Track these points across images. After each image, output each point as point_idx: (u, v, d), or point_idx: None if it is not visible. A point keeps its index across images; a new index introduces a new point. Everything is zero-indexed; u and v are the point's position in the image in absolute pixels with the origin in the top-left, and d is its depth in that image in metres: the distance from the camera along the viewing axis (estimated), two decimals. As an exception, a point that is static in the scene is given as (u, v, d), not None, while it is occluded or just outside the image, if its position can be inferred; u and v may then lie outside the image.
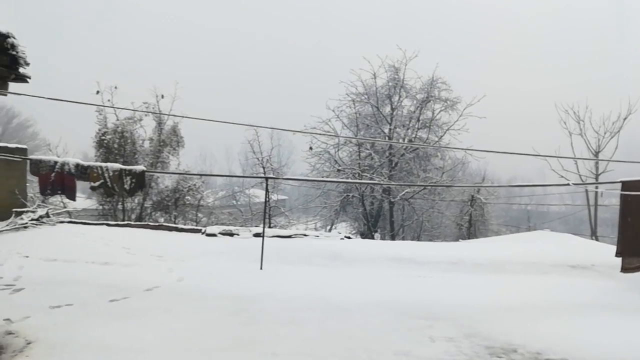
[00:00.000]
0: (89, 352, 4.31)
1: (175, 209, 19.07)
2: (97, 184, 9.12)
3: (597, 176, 22.36)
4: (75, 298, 6.10)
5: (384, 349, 4.77)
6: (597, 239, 21.83)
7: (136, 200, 18.60)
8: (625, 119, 21.67)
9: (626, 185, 8.03)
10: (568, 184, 10.11)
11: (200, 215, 20.49)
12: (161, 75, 23.76)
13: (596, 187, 17.11)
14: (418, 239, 24.54)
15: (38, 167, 9.15)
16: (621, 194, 8.03)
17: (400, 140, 23.41)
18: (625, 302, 6.91)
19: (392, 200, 22.75)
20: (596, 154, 22.50)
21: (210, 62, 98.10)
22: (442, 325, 5.66)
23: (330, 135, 22.29)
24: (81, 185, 9.86)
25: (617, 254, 8.16)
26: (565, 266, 9.91)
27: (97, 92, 17.67)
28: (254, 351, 4.57)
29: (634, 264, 8.03)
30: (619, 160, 15.46)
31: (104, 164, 9.34)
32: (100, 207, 18.43)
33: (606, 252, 10.29)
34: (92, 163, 9.58)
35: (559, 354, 4.79)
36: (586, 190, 22.29)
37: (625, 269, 8.09)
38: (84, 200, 19.75)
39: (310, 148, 22.53)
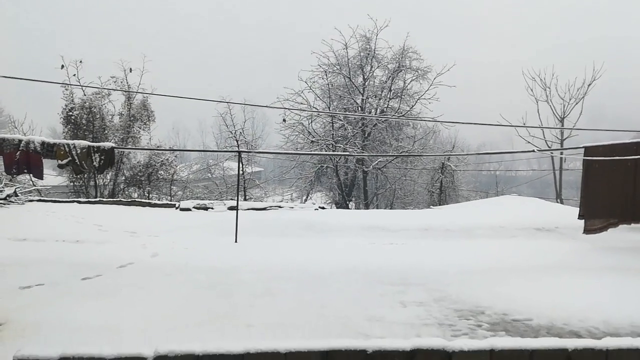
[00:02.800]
0: (62, 333, 4.22)
1: (149, 184, 18.85)
2: (64, 161, 8.93)
3: (562, 141, 22.90)
4: (46, 278, 6.02)
5: (358, 315, 4.89)
6: (561, 202, 22.54)
7: (108, 176, 18.31)
8: (589, 85, 22.09)
9: (589, 150, 8.29)
10: (533, 151, 10.37)
11: (174, 189, 20.32)
12: (133, 53, 23.12)
13: (561, 153, 17.57)
14: (391, 206, 24.91)
15: (2, 145, 8.88)
16: (584, 159, 8.30)
17: (373, 110, 23.41)
18: (587, 263, 7.24)
19: (366, 169, 22.95)
20: (561, 119, 22.96)
21: (182, 44, 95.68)
22: (413, 291, 5.82)
23: (303, 110, 22.14)
24: (50, 163, 9.64)
25: (580, 217, 8.48)
26: (531, 229, 10.27)
27: (62, 66, 17.09)
28: (229, 323, 4.62)
29: (596, 226, 8.36)
30: (582, 128, 15.90)
31: (71, 141, 9.13)
32: (72, 184, 18.07)
33: (570, 214, 10.70)
34: (58, 140, 9.35)
35: (524, 314, 5.00)
36: (551, 156, 22.82)
37: (587, 230, 8.42)
38: (55, 177, 19.34)
39: (284, 120, 22.41)
